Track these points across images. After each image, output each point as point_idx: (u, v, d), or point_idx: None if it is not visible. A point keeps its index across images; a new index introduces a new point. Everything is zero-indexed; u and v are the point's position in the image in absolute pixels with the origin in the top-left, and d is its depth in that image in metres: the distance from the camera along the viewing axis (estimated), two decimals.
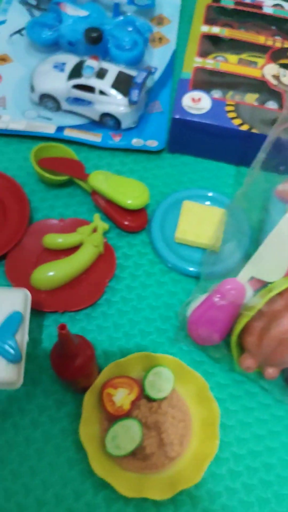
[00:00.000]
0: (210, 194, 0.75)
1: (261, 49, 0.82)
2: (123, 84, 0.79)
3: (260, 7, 0.88)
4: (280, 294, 0.56)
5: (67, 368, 0.52)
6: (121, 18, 0.90)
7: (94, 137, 0.81)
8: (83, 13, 0.87)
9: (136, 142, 0.81)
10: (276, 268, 0.58)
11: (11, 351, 0.54)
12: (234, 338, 0.58)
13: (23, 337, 0.56)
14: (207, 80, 0.78)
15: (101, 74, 0.79)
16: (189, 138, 0.77)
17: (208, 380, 0.62)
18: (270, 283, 0.58)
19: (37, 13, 0.97)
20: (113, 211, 0.72)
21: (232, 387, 0.62)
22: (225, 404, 0.61)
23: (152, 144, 0.80)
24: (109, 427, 0.57)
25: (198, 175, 0.79)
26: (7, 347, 0.54)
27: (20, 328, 0.56)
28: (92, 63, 0.79)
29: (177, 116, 0.74)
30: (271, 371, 0.58)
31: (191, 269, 0.69)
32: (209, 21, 0.86)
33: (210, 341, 0.61)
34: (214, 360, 0.64)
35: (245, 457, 0.58)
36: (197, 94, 0.76)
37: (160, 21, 0.97)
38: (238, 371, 0.62)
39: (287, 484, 0.57)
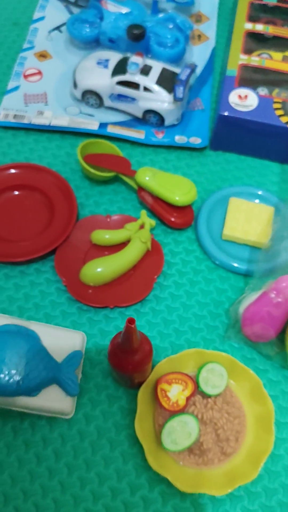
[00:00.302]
0: (260, 192, 0.75)
1: None
2: (167, 81, 0.80)
3: None
4: None
5: (128, 363, 0.53)
6: (161, 15, 0.90)
7: (137, 134, 0.81)
8: (124, 10, 0.88)
9: (179, 139, 0.81)
10: None
11: (72, 385, 0.57)
12: None
13: (79, 373, 0.59)
14: (252, 78, 0.79)
15: (145, 70, 0.80)
16: (234, 135, 0.78)
17: (260, 377, 0.63)
18: None
19: (75, 10, 0.98)
20: (160, 208, 0.73)
21: (285, 384, 0.62)
22: (278, 401, 0.61)
23: (196, 141, 0.81)
24: (164, 422, 0.58)
25: (242, 173, 0.80)
26: (69, 382, 0.57)
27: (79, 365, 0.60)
28: (137, 60, 0.79)
29: (225, 113, 0.75)
30: None
31: (239, 266, 0.69)
32: (251, 18, 0.87)
33: (264, 337, 0.61)
34: (266, 357, 0.64)
35: None
36: (243, 91, 0.76)
37: (199, 18, 0.97)
38: None
39: None
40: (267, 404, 0.59)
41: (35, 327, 0.59)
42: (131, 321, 0.47)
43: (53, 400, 0.57)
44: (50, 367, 0.56)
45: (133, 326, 0.47)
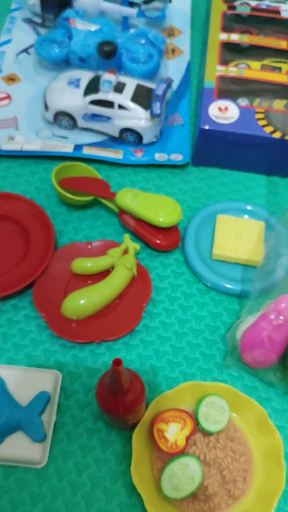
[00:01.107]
0: (248, 207, 0.72)
1: (284, 54, 0.81)
2: (142, 97, 0.77)
3: (278, 12, 0.87)
4: None
5: (118, 405, 0.48)
6: (132, 31, 0.88)
7: (114, 154, 0.78)
8: (93, 27, 0.86)
9: (159, 157, 0.78)
10: None
11: (35, 429, 0.54)
12: None
13: (50, 416, 0.56)
14: (231, 89, 0.77)
15: (119, 88, 0.77)
16: (216, 149, 0.75)
17: (264, 406, 0.59)
18: None
19: (42, 30, 0.96)
20: (143, 230, 0.69)
21: None
22: (286, 431, 0.57)
23: (177, 158, 0.78)
24: (163, 467, 0.53)
25: (227, 188, 0.77)
26: (31, 426, 0.54)
27: (47, 408, 0.56)
28: (110, 77, 0.77)
29: (205, 127, 0.72)
30: None
31: (232, 287, 0.66)
32: (225, 28, 0.85)
33: (266, 363, 0.57)
34: (268, 385, 0.60)
35: None
36: (223, 103, 0.74)
37: (171, 32, 0.96)
38: None
39: None
40: (274, 437, 0.55)
41: (1, 370, 0.56)
42: (117, 362, 0.42)
43: (18, 448, 0.53)
44: (12, 412, 0.53)
45: (120, 368, 0.43)
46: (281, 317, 0.55)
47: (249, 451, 0.55)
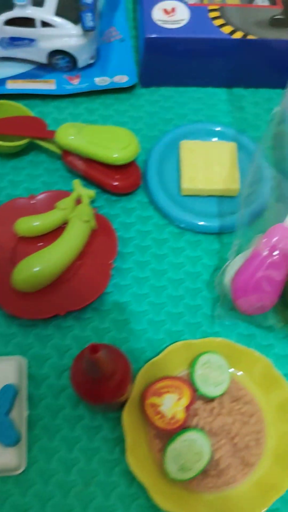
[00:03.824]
0: (213, 127, 0.63)
1: None
2: (69, 8, 0.64)
3: None
4: None
5: (102, 392, 0.40)
6: None
7: (46, 85, 0.66)
8: None
9: (100, 81, 0.67)
10: None
11: (6, 433, 0.45)
12: None
13: (21, 413, 0.47)
14: None
15: (38, 0, 0.63)
16: (167, 63, 0.64)
17: (266, 355, 0.52)
18: None
19: None
20: (96, 172, 0.59)
21: None
22: None
23: (121, 79, 0.66)
24: (163, 447, 0.46)
25: (185, 108, 0.67)
26: (0, 429, 0.45)
27: (16, 403, 0.47)
28: None
29: (151, 35, 0.60)
30: None
31: (209, 224, 0.57)
32: None
33: (264, 308, 0.50)
34: (267, 330, 0.53)
35: None
36: (169, 3, 0.62)
37: None
38: None
39: None
40: (284, 388, 0.48)
41: None
42: (94, 349, 0.34)
43: None
44: None
45: (98, 355, 0.34)
46: (275, 252, 0.47)
47: (258, 409, 0.49)
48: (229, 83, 0.68)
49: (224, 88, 0.68)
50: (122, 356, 0.42)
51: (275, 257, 0.47)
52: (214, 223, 0.57)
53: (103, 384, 0.39)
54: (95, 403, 0.42)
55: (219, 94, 0.68)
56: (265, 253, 0.47)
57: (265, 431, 0.48)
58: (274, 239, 0.47)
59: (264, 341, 0.53)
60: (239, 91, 0.68)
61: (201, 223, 0.57)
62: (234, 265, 0.50)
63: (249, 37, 0.61)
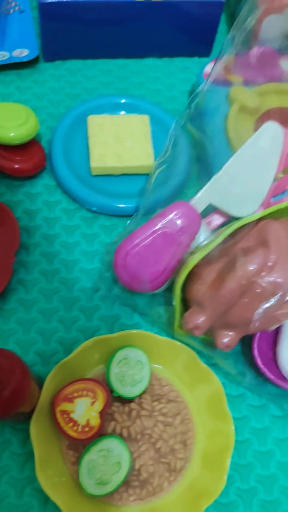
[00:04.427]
0: (123, 100, 0.57)
1: None
2: None
3: None
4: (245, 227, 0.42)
5: None
6: None
7: None
8: None
9: None
10: (248, 198, 0.44)
11: None
12: (178, 286, 0.43)
13: None
14: None
15: None
16: (70, 33, 0.58)
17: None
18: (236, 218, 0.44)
19: None
20: None
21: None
22: (223, 370, 0.47)
23: (22, 53, 0.60)
24: (78, 458, 0.41)
25: (94, 82, 0.61)
26: None
27: None
28: None
29: (46, 0, 0.54)
30: (226, 339, 0.42)
31: (125, 205, 0.52)
32: None
33: (146, 284, 0.44)
34: (150, 322, 0.48)
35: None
36: None
37: None
38: (178, 335, 0.47)
39: None
40: (211, 381, 0.44)
41: None
42: None
43: None
44: None
45: None
46: (169, 226, 0.42)
47: (183, 407, 0.44)
48: (141, 53, 0.62)
49: (136, 58, 0.63)
50: (16, 362, 0.36)
51: (166, 230, 0.42)
52: (131, 204, 0.52)
53: None
54: None
55: (131, 66, 0.62)
56: (158, 225, 0.42)
57: (193, 431, 0.43)
58: (172, 214, 0.42)
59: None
60: (152, 61, 0.63)
61: (116, 204, 0.52)
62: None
63: None
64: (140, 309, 0.48)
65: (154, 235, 0.43)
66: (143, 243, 0.43)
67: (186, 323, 0.43)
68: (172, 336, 0.47)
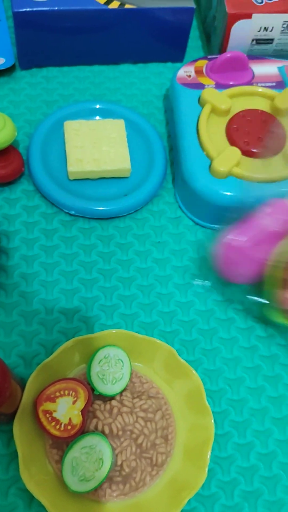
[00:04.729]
0: (97, 106, 0.58)
1: None
2: None
3: None
4: None
5: None
6: None
7: None
8: None
9: None
10: None
11: None
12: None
13: None
14: None
15: None
16: (45, 41, 0.59)
17: (171, 343, 0.48)
18: None
19: None
20: None
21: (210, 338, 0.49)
22: (203, 365, 0.48)
23: None
24: (62, 457, 0.42)
25: (70, 89, 0.62)
26: None
27: None
28: None
29: (19, 10, 0.55)
30: None
31: (103, 208, 0.53)
32: None
33: (245, 277, 0.47)
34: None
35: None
36: None
37: None
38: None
39: None
40: (190, 376, 0.45)
41: None
42: None
43: None
44: None
45: None
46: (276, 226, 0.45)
47: (164, 403, 0.45)
48: (116, 59, 0.64)
49: (111, 65, 0.64)
50: None
51: (273, 228, 0.45)
52: (108, 207, 0.53)
53: None
54: None
55: (106, 72, 0.64)
56: (266, 222, 0.45)
57: (174, 426, 0.44)
58: (280, 213, 0.45)
59: (168, 327, 0.49)
60: (127, 67, 0.64)
61: (94, 207, 0.53)
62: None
63: (127, 6, 0.57)
64: (237, 298, 0.51)
65: (262, 231, 0.45)
66: (251, 239, 0.45)
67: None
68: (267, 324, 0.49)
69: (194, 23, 0.69)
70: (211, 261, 0.48)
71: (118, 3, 0.57)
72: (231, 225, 0.47)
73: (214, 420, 0.45)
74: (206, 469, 0.41)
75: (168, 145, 0.59)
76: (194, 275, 0.52)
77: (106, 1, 0.57)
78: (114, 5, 0.57)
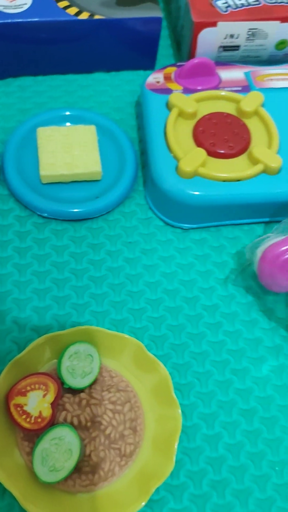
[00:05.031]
0: (67, 112, 0.61)
1: None
2: None
3: None
4: None
5: None
6: None
7: None
8: None
9: None
10: None
11: None
12: None
13: None
14: None
15: None
16: (17, 51, 0.61)
17: (140, 339, 0.50)
18: None
19: None
20: None
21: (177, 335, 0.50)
22: (171, 359, 0.49)
23: None
24: (33, 448, 0.43)
25: (44, 97, 0.64)
26: None
27: None
28: None
29: None
30: None
31: (76, 210, 0.55)
32: None
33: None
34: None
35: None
36: None
37: None
38: None
39: None
40: (156, 368, 0.46)
41: None
42: None
43: None
44: None
45: None
46: None
47: (133, 396, 0.46)
48: (89, 68, 0.66)
49: (84, 74, 0.66)
50: None
51: None
52: (82, 208, 0.55)
53: None
54: None
55: (79, 80, 0.66)
56: None
57: (142, 418, 0.46)
58: None
59: (138, 324, 0.51)
60: (100, 75, 0.66)
61: (66, 210, 0.55)
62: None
63: (96, 17, 0.59)
64: (278, 311, 0.52)
65: None
66: None
67: None
68: None
69: (166, 32, 0.72)
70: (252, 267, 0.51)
71: (88, 14, 0.59)
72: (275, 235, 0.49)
73: (183, 412, 0.46)
74: (174, 459, 0.43)
75: (139, 149, 0.61)
76: (163, 273, 0.53)
77: (76, 13, 0.59)
78: (84, 16, 0.59)
